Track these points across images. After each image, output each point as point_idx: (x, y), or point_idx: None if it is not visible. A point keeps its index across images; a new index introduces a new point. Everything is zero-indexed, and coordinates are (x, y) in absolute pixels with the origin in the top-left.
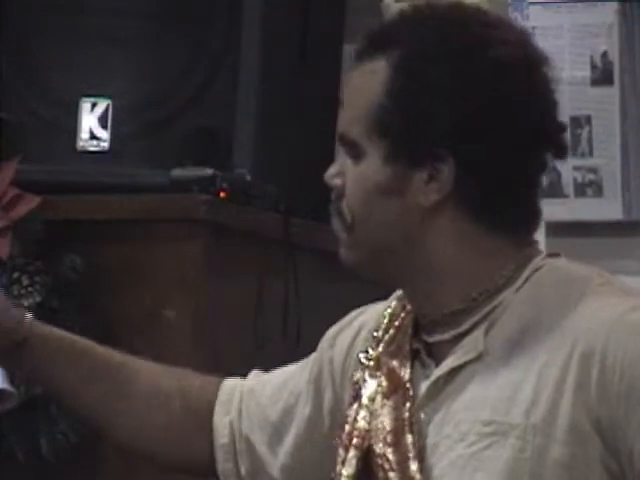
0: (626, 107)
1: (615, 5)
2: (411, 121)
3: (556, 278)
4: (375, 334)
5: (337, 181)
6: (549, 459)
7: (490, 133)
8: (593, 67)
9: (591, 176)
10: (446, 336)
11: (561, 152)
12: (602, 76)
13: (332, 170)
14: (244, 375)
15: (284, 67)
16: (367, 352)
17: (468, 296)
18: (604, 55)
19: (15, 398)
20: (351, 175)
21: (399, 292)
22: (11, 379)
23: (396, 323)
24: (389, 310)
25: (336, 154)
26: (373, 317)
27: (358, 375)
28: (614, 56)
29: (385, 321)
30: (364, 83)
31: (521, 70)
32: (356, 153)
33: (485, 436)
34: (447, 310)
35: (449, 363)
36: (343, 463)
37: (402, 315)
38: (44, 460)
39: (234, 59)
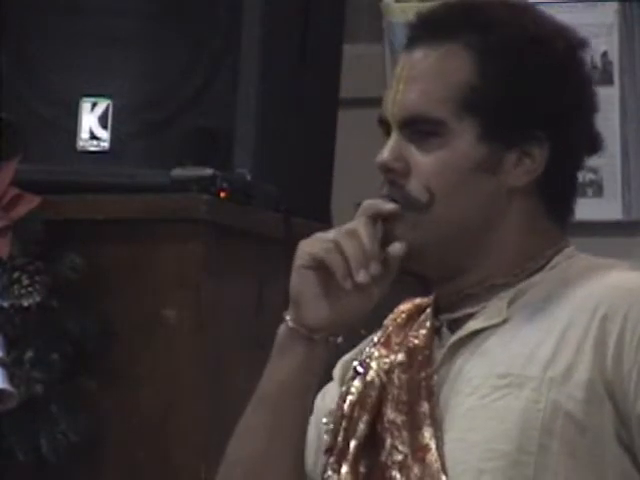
0: (626, 107)
1: (615, 5)
2: (514, 102)
3: (586, 265)
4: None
5: (399, 164)
6: (562, 414)
7: (578, 118)
8: (593, 67)
9: (591, 176)
10: (475, 308)
11: (596, 148)
12: (602, 76)
13: (389, 155)
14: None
15: (284, 67)
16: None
17: (511, 272)
18: (604, 55)
19: (15, 398)
20: (433, 154)
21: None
22: (11, 379)
23: (398, 320)
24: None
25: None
26: (355, 351)
27: (359, 356)
28: (614, 56)
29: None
30: (441, 64)
31: (586, 57)
32: (437, 131)
33: (499, 388)
34: (488, 283)
35: (470, 326)
36: (346, 430)
37: (402, 315)
38: (44, 460)
39: (234, 59)
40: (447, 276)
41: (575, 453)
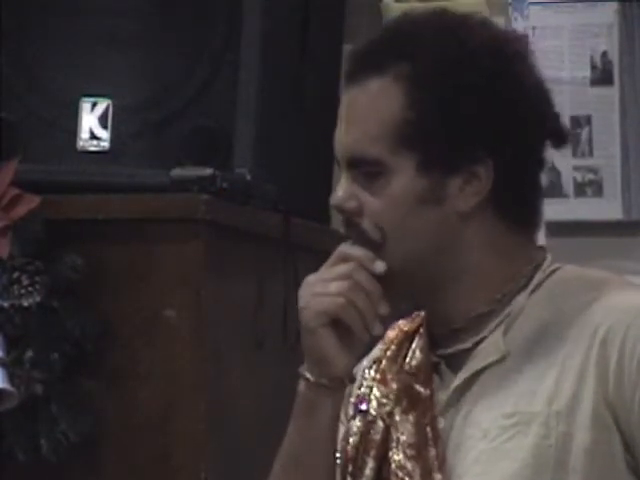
0: (626, 107)
1: (615, 5)
2: (448, 128)
3: (575, 281)
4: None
5: (352, 204)
6: (573, 446)
7: (519, 129)
8: (593, 67)
9: (591, 176)
10: (467, 344)
11: (562, 140)
12: (602, 76)
13: (342, 194)
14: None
15: (284, 67)
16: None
17: (493, 298)
18: (604, 55)
19: (15, 398)
20: (378, 193)
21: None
22: (11, 379)
23: (388, 353)
24: (378, 350)
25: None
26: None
27: (357, 392)
28: (614, 56)
29: (377, 351)
30: (373, 102)
31: (528, 63)
32: (378, 171)
33: (507, 428)
34: (473, 314)
35: (472, 366)
36: (353, 475)
37: (392, 346)
38: (44, 460)
39: (234, 59)
40: (424, 305)
41: None
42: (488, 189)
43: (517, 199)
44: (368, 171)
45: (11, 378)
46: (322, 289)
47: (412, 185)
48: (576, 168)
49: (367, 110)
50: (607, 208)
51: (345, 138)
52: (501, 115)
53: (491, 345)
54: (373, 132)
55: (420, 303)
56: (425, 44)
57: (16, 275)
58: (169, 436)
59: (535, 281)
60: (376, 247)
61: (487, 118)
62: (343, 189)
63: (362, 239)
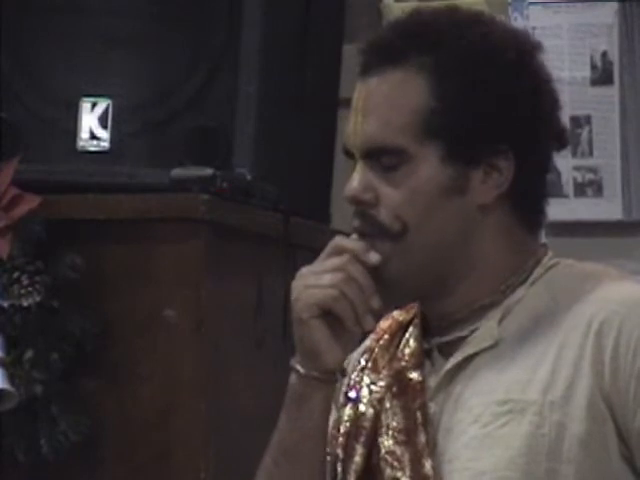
0: (626, 107)
1: (615, 5)
2: (472, 119)
3: (571, 273)
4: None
5: (369, 195)
6: (567, 436)
7: (538, 125)
8: (593, 67)
9: (591, 176)
10: (465, 332)
11: (564, 143)
12: (602, 76)
13: (358, 185)
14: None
15: (284, 67)
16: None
17: (496, 290)
18: (604, 55)
19: (15, 398)
20: (398, 184)
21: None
22: (11, 379)
23: (381, 342)
24: (370, 339)
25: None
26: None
27: (347, 380)
28: (614, 56)
29: (369, 341)
30: (396, 92)
31: (541, 61)
32: (400, 161)
33: (500, 415)
34: (477, 305)
35: (464, 351)
36: (344, 462)
37: (385, 336)
38: (44, 460)
39: (234, 59)
40: (431, 298)
41: (581, 472)
42: (509, 182)
43: (532, 195)
44: (388, 161)
45: (11, 378)
46: (315, 281)
47: (437, 175)
48: (576, 168)
49: (389, 100)
50: (607, 208)
51: (363, 128)
52: (521, 109)
53: (485, 332)
54: (396, 121)
55: (425, 296)
56: (446, 36)
57: (16, 275)
58: (169, 436)
59: (535, 274)
60: (395, 239)
61: (508, 111)
62: (358, 180)
63: (379, 231)
